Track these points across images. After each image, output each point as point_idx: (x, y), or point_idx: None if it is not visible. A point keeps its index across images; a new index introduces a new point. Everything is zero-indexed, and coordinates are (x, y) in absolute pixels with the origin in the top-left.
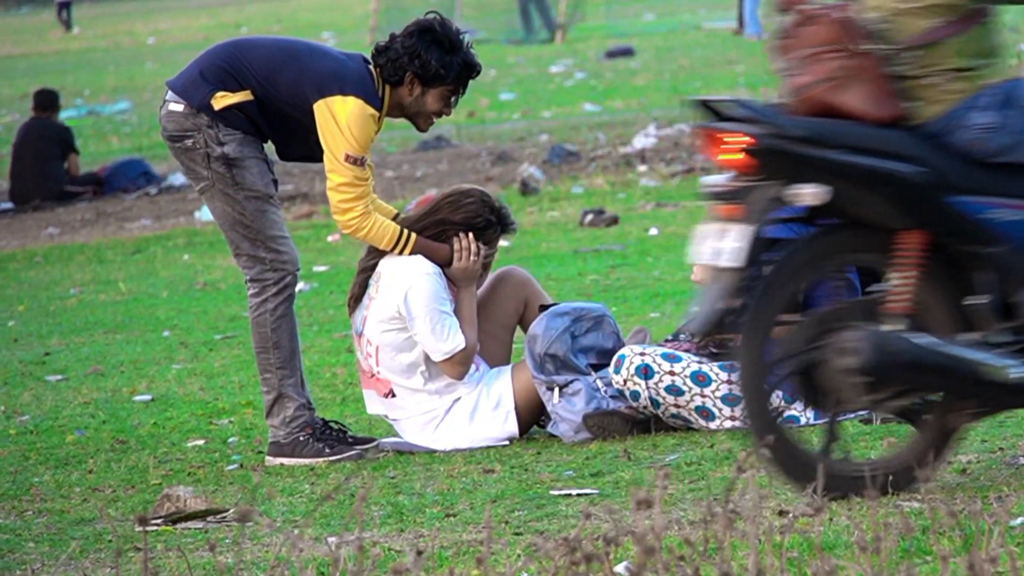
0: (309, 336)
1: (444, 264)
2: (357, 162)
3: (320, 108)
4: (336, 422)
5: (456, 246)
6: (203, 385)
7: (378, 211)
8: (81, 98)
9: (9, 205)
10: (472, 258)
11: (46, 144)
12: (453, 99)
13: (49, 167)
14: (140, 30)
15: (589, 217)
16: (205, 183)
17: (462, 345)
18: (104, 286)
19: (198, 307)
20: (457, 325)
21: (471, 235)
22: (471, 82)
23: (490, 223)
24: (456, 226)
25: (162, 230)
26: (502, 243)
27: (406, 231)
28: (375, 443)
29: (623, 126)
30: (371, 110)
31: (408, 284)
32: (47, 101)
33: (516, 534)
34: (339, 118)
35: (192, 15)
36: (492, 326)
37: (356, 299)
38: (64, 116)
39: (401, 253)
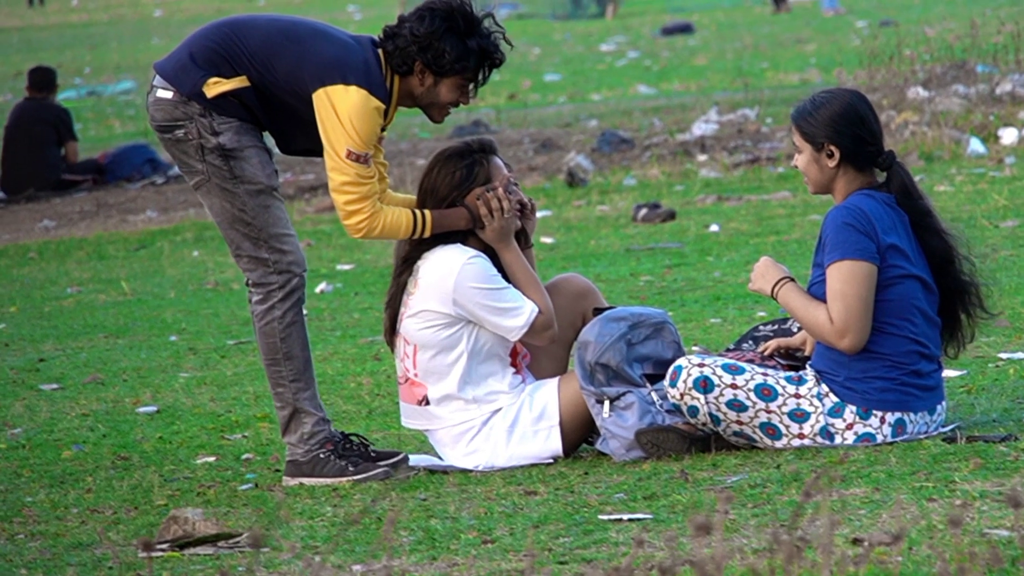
0: (332, 342)
1: (469, 227)
2: (360, 159)
3: (319, 98)
4: (357, 436)
5: (481, 210)
6: (214, 396)
7: (397, 203)
8: (80, 77)
9: (0, 195)
10: (500, 214)
11: (41, 128)
12: (471, 87)
13: (44, 153)
14: (146, 1)
15: (643, 212)
16: (199, 177)
17: (535, 310)
18: (104, 285)
19: (208, 309)
20: (519, 294)
21: (484, 191)
22: (496, 67)
23: (469, 164)
24: (451, 196)
25: (169, 223)
26: (546, 239)
27: (418, 211)
28: (401, 456)
29: (681, 111)
30: (375, 102)
31: (453, 280)
32: (43, 80)
33: (561, 563)
34: (339, 110)
35: None
36: None
37: (391, 332)
38: (62, 97)
39: (423, 235)
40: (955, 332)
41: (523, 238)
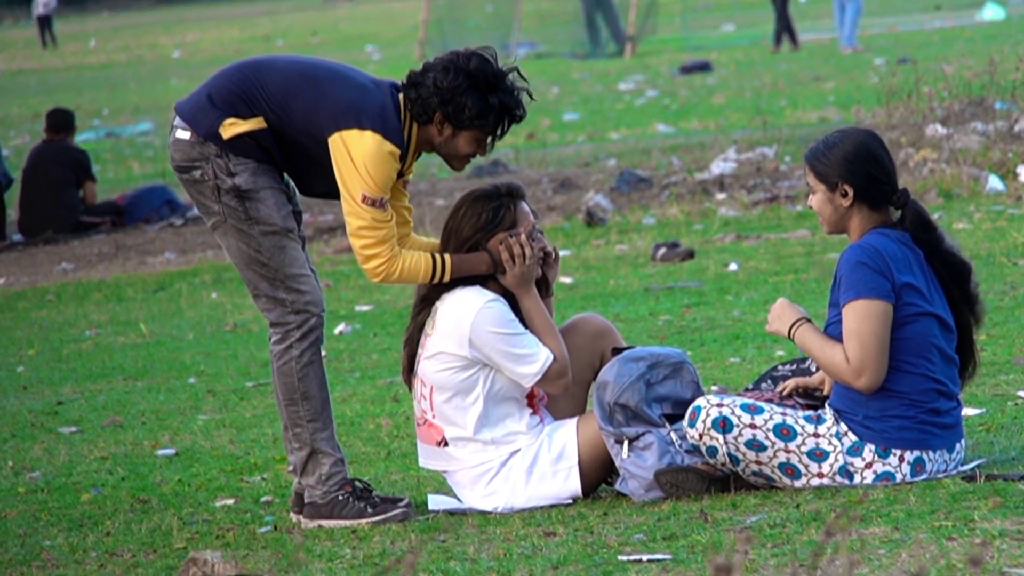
0: (351, 383)
1: (490, 271)
2: (376, 203)
3: (335, 142)
4: (361, 480)
5: (504, 255)
6: (233, 438)
7: (419, 247)
8: (99, 118)
9: (19, 237)
10: (522, 260)
11: (60, 169)
12: (489, 140)
13: (63, 195)
14: (164, 43)
15: (662, 251)
16: (216, 218)
17: (550, 358)
18: (123, 327)
19: (227, 351)
20: (536, 340)
21: (507, 236)
22: (517, 123)
23: (496, 208)
24: (475, 238)
25: (187, 265)
26: (564, 279)
27: (439, 256)
28: (404, 501)
29: (699, 149)
30: (390, 147)
31: (470, 322)
32: (61, 122)
33: None
34: (354, 154)
35: (222, 26)
36: None
37: (408, 371)
38: (80, 139)
39: (442, 279)
40: (967, 365)
41: (544, 286)
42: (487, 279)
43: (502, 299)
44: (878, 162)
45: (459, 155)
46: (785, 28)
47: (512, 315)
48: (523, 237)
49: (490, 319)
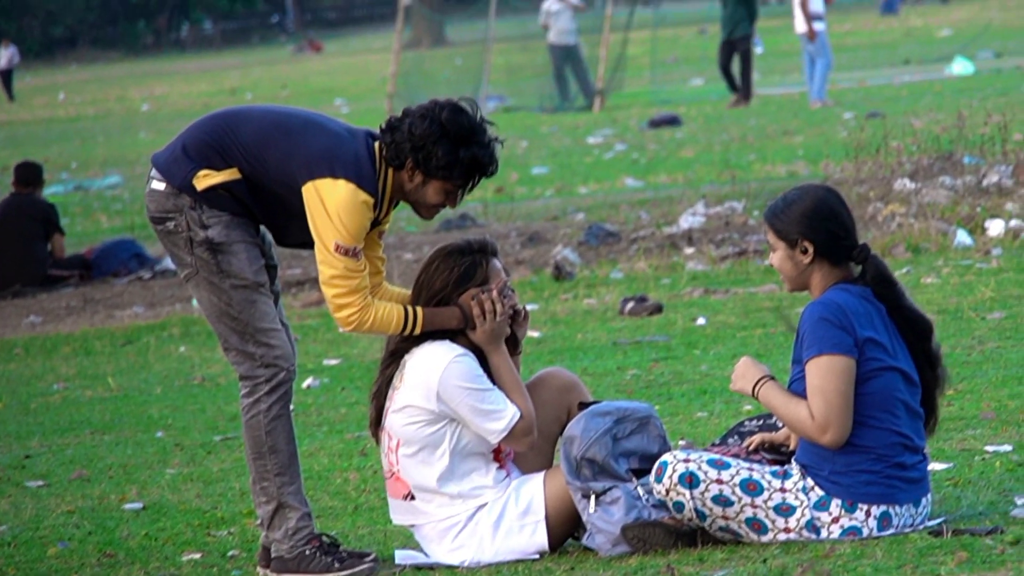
0: (319, 437)
1: (460, 326)
2: (349, 253)
3: (308, 191)
4: (327, 535)
5: (475, 311)
6: (200, 492)
7: (390, 297)
8: (67, 172)
9: None
10: (492, 317)
11: (28, 223)
12: (459, 193)
13: (31, 248)
14: (133, 96)
15: (630, 305)
16: (189, 270)
17: (517, 415)
18: (91, 381)
19: (195, 404)
20: (504, 397)
21: (479, 292)
22: (488, 177)
23: (468, 263)
24: (445, 292)
25: (155, 319)
26: (532, 333)
27: (410, 308)
28: (371, 556)
29: (668, 203)
30: (364, 196)
31: (438, 376)
32: (29, 175)
33: None
34: (328, 204)
35: (191, 80)
36: None
37: (376, 424)
38: (48, 192)
39: (413, 332)
40: (928, 420)
41: (512, 343)
42: (456, 333)
43: (471, 354)
44: (837, 218)
45: (427, 204)
46: (742, 80)
47: (480, 371)
48: (495, 294)
49: (458, 374)
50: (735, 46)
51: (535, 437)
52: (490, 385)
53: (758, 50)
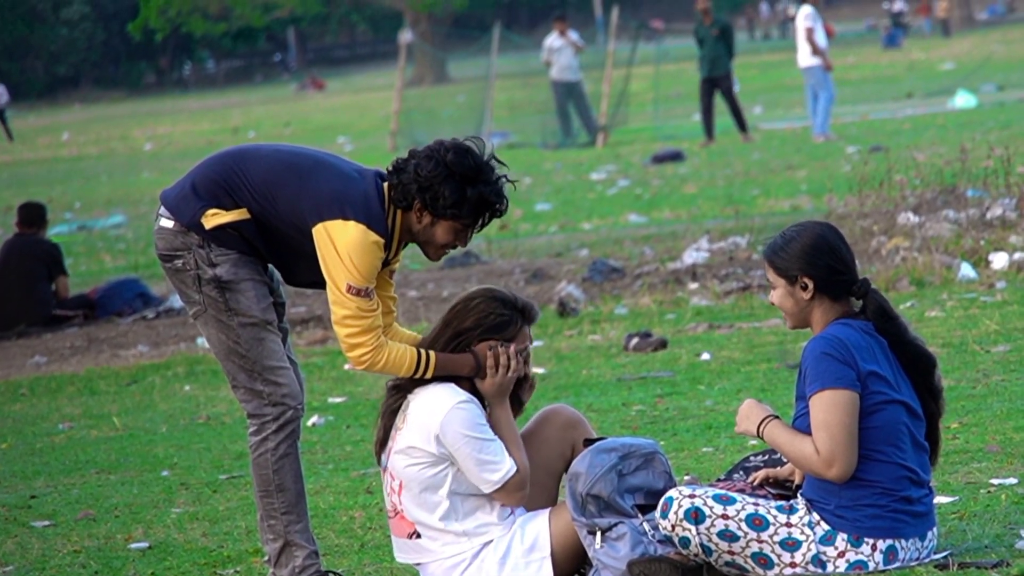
0: (324, 475)
1: (472, 375)
2: (361, 293)
3: (319, 232)
4: (334, 572)
5: (489, 361)
6: (206, 531)
7: (400, 339)
8: (71, 212)
9: None
10: (504, 372)
11: (32, 263)
12: (469, 232)
13: (35, 289)
14: (136, 135)
15: (634, 341)
16: (197, 308)
17: (513, 470)
18: (96, 421)
19: (200, 443)
20: (503, 449)
21: (499, 344)
22: (498, 216)
23: (505, 317)
24: (472, 333)
25: (160, 358)
26: (537, 369)
27: (424, 352)
28: None
29: (672, 239)
30: (374, 236)
31: (440, 420)
32: (33, 216)
33: None
34: (339, 245)
35: (194, 118)
36: (535, 471)
37: (382, 442)
38: (52, 232)
39: (424, 375)
40: (935, 451)
41: (515, 404)
42: (462, 378)
43: (475, 400)
44: (836, 253)
45: (436, 244)
46: (733, 115)
47: (484, 419)
48: (512, 349)
49: (461, 420)
50: (716, 84)
51: (527, 494)
52: (492, 436)
53: (735, 88)
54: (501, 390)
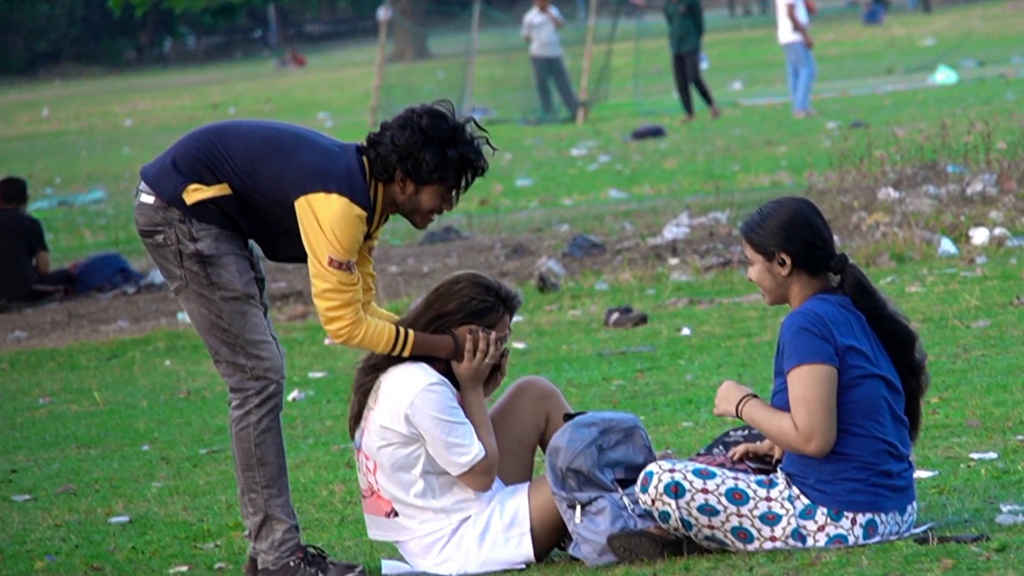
0: (304, 450)
1: (449, 358)
2: (342, 266)
3: (301, 206)
4: (313, 546)
5: (468, 345)
6: (186, 505)
7: (376, 317)
8: (51, 187)
9: None
10: (482, 357)
11: (12, 239)
12: (453, 194)
13: (15, 264)
14: (116, 111)
15: (615, 316)
16: (179, 282)
17: (482, 454)
18: (77, 395)
19: (181, 418)
20: (473, 432)
21: (479, 330)
22: (480, 175)
23: (488, 304)
24: (453, 316)
25: (141, 333)
26: (517, 344)
27: (403, 330)
28: (358, 568)
29: (652, 214)
30: (357, 210)
31: (410, 400)
32: (13, 191)
33: None
34: (321, 218)
35: (174, 94)
36: (510, 442)
37: (356, 418)
38: (32, 207)
39: (401, 353)
40: (915, 426)
41: (484, 388)
42: (435, 359)
43: (447, 382)
44: (814, 229)
45: (423, 211)
46: (700, 92)
47: (455, 402)
48: (492, 336)
49: (432, 402)
50: (683, 60)
51: (494, 479)
52: (462, 419)
53: (703, 65)
54: (477, 375)
